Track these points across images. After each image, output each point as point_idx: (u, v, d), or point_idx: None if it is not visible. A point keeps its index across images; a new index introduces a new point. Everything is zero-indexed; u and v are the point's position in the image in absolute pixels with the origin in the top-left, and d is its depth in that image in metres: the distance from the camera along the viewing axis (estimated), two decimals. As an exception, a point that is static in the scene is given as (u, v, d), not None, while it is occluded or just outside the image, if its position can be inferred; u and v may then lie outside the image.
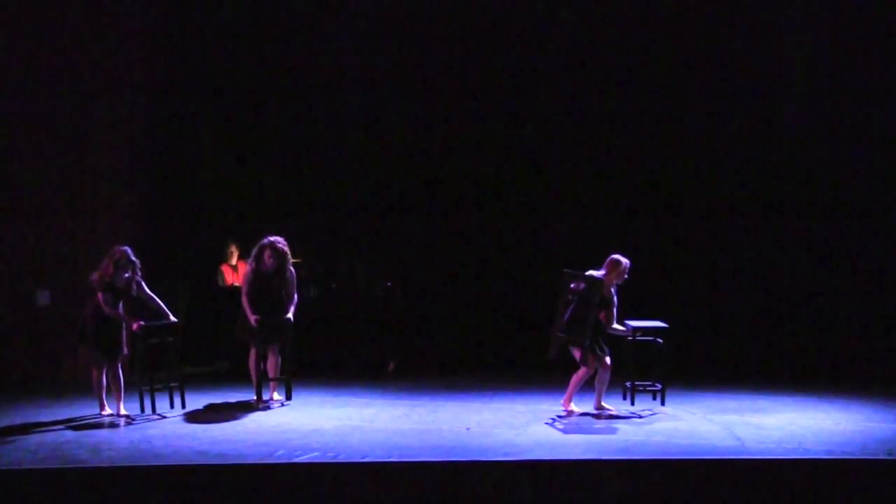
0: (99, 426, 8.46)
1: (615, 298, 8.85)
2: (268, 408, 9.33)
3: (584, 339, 8.67)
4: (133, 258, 8.91)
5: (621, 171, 12.71)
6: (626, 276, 8.90)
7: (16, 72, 11.18)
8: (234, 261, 12.21)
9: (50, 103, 11.29)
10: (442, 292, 12.80)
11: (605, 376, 8.89)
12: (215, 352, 11.76)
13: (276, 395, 9.75)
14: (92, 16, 11.50)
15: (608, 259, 8.90)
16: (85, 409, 9.20)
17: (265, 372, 9.67)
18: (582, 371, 8.80)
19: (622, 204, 12.68)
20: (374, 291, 12.01)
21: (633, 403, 8.92)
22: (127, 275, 8.84)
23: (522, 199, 12.92)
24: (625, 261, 8.88)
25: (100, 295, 8.76)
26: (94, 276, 8.85)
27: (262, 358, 9.61)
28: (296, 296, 9.72)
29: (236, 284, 12.30)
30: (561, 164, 12.86)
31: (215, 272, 12.13)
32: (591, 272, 8.86)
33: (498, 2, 12.76)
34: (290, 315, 9.60)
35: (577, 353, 8.84)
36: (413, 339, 12.23)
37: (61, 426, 8.39)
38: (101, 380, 8.89)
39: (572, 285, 8.84)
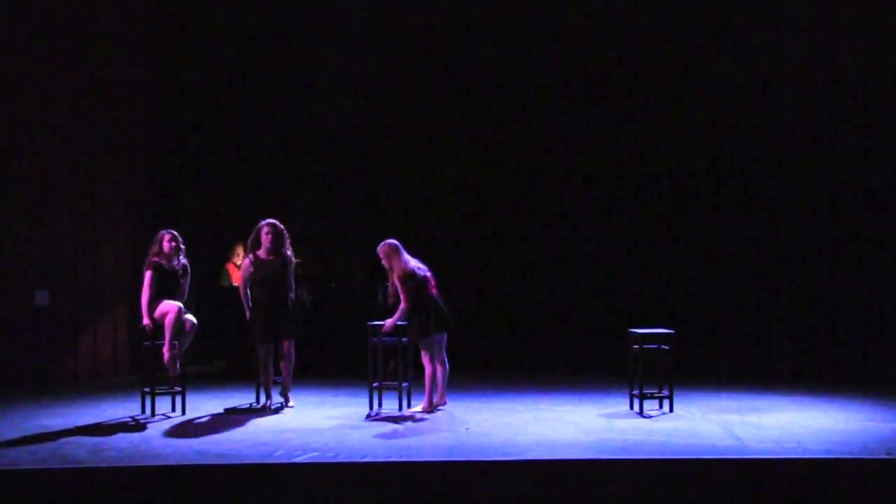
0: (99, 426, 8.45)
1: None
2: (280, 408, 9.25)
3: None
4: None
5: (622, 172, 12.70)
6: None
7: (16, 73, 11.19)
8: (239, 261, 12.20)
9: (50, 105, 11.31)
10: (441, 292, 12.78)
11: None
12: (214, 351, 11.76)
13: (285, 400, 9.38)
14: (93, 17, 11.52)
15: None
16: (85, 409, 9.22)
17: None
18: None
19: (623, 204, 12.68)
20: (374, 291, 11.99)
21: (641, 412, 8.85)
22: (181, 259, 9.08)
23: (523, 199, 12.92)
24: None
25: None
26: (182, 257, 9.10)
27: (267, 356, 9.29)
28: (293, 283, 9.39)
29: (236, 285, 12.33)
30: (561, 164, 12.85)
31: (220, 271, 12.13)
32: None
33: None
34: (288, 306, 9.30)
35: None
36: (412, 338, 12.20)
37: (61, 426, 8.37)
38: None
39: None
